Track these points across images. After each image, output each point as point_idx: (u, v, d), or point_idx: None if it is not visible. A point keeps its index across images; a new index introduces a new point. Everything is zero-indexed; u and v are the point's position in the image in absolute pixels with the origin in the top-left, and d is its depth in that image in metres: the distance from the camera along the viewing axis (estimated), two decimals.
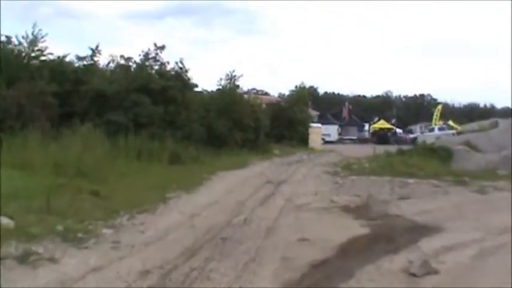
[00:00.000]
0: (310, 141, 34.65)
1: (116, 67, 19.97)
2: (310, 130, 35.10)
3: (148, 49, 19.75)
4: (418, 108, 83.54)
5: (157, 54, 19.77)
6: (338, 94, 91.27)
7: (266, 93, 53.19)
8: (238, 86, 24.26)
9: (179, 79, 20.14)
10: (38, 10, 77.94)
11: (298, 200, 9.78)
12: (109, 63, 20.00)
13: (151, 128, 16.49)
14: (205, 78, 68.58)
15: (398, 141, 48.73)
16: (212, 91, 25.45)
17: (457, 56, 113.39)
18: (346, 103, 59.19)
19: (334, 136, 48.38)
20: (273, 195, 10.43)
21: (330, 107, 61.32)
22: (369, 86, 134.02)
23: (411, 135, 47.63)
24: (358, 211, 8.53)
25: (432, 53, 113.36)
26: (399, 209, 8.80)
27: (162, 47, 19.82)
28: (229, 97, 23.34)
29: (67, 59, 18.29)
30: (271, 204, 9.22)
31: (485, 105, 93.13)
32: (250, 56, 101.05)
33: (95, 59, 18.74)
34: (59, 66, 17.27)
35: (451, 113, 74.95)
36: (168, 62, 20.06)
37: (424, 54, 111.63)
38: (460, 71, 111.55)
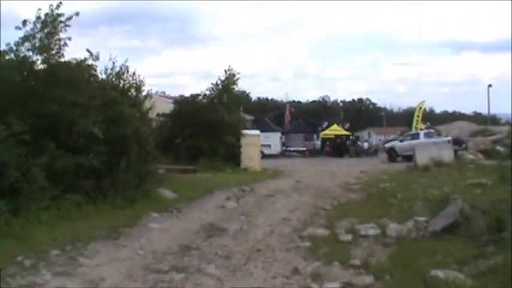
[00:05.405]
0: (243, 157, 21.47)
1: None
2: (243, 140, 21.92)
3: None
4: (357, 114, 76.10)
5: None
6: (272, 100, 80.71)
7: None
8: (62, 54, 9.90)
9: None
10: None
11: None
12: None
13: None
14: None
15: (359, 152, 37.23)
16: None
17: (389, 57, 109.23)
18: (288, 105, 46.86)
19: (276, 148, 35.42)
20: None
21: (267, 112, 49.27)
22: (303, 92, 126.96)
23: (379, 144, 36.40)
24: None
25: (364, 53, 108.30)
26: None
27: None
28: (47, 70, 9.59)
29: None
30: None
31: (425, 109, 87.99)
32: (183, 65, 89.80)
33: None
34: None
35: (392, 118, 68.69)
36: None
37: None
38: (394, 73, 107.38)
